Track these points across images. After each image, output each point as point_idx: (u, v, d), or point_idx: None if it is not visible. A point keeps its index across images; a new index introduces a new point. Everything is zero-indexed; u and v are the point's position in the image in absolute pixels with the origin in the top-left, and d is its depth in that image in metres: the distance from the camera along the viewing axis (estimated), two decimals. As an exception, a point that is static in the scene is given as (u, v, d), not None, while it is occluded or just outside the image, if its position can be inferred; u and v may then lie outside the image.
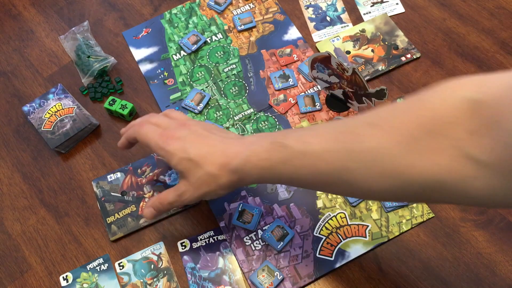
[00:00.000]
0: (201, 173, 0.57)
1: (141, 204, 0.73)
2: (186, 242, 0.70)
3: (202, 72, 0.83)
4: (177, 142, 0.59)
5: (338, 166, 0.49)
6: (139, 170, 0.75)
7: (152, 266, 0.69)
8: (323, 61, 0.70)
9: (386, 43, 0.83)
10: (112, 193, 0.74)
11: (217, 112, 0.79)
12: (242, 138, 0.59)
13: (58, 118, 0.79)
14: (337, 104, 0.77)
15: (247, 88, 0.81)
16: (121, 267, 0.69)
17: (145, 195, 0.73)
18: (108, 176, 0.75)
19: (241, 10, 0.89)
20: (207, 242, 0.70)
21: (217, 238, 0.70)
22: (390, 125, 0.46)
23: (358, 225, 0.69)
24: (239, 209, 0.71)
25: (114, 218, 0.72)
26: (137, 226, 0.71)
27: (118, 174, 0.75)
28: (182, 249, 0.69)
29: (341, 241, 0.68)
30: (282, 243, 0.68)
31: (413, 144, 0.44)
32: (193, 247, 0.69)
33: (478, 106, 0.41)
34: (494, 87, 0.41)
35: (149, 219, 0.65)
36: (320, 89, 0.78)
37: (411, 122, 0.44)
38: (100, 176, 0.75)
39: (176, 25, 0.89)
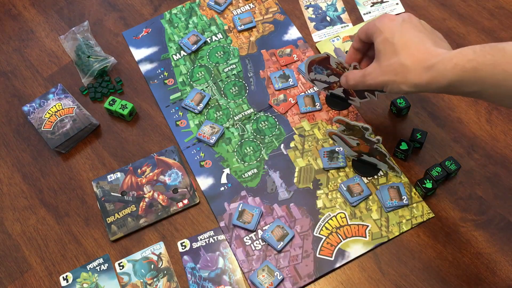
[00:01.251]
0: (395, 60, 0.56)
1: (141, 204, 0.72)
2: (186, 242, 0.70)
3: (202, 72, 0.83)
4: (391, 23, 0.58)
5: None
6: (139, 170, 0.75)
7: (152, 266, 0.69)
8: (321, 63, 0.70)
9: (386, 43, 0.83)
10: (112, 193, 0.74)
11: (217, 112, 0.79)
12: (451, 49, 0.57)
13: (58, 118, 0.79)
14: (338, 103, 0.77)
15: (247, 88, 0.81)
16: (121, 267, 0.69)
17: (145, 195, 0.73)
18: (108, 176, 0.75)
19: (241, 10, 0.89)
20: (207, 242, 0.70)
21: (217, 238, 0.70)
22: None
23: (358, 225, 0.69)
24: (239, 209, 0.71)
25: (114, 218, 0.72)
26: (137, 226, 0.71)
27: (118, 174, 0.75)
28: (182, 249, 0.69)
29: (341, 241, 0.68)
30: (282, 243, 0.68)
31: None
32: (193, 247, 0.69)
33: None
34: None
35: (343, 85, 0.67)
36: (317, 89, 0.78)
37: None
38: (100, 176, 0.75)
39: (176, 25, 0.89)
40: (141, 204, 0.73)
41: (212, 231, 0.70)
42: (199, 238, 0.70)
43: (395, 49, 0.56)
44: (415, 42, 0.56)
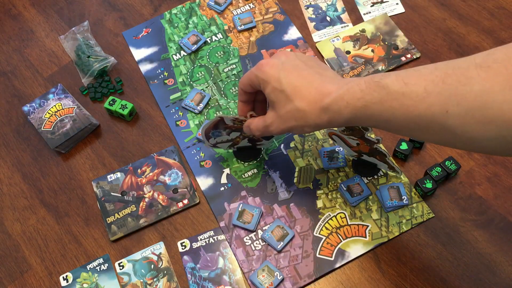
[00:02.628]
0: (291, 107, 0.55)
1: (141, 204, 0.72)
2: (186, 242, 0.70)
3: (202, 72, 0.83)
4: (272, 70, 0.57)
5: (439, 110, 0.45)
6: (139, 170, 0.75)
7: (152, 266, 0.69)
8: (217, 126, 0.68)
9: (386, 43, 0.83)
10: (112, 193, 0.74)
11: (217, 112, 0.79)
12: (338, 76, 0.57)
13: (58, 118, 0.79)
14: (247, 153, 0.75)
15: (247, 88, 0.81)
16: (121, 267, 0.69)
17: (145, 195, 0.73)
18: (108, 176, 0.75)
19: (241, 10, 0.89)
20: (207, 242, 0.70)
21: (217, 238, 0.70)
22: (505, 68, 0.41)
23: (358, 225, 0.69)
24: (239, 209, 0.71)
25: (114, 218, 0.72)
26: (137, 226, 0.71)
27: (118, 174, 0.75)
28: (182, 249, 0.69)
29: (341, 241, 0.68)
30: (282, 243, 0.68)
31: None
32: (193, 247, 0.69)
33: None
34: None
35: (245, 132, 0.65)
36: (225, 150, 0.76)
37: None
38: (100, 176, 0.75)
39: (176, 25, 0.89)
40: (141, 204, 0.73)
41: (212, 231, 0.70)
42: (199, 238, 0.70)
43: (287, 96, 0.55)
44: (303, 84, 0.55)
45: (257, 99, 0.66)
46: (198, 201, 0.72)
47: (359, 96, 0.51)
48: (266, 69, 0.57)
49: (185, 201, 0.72)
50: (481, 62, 0.43)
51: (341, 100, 0.52)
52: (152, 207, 0.72)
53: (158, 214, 0.72)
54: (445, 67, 0.46)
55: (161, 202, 0.72)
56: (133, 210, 0.72)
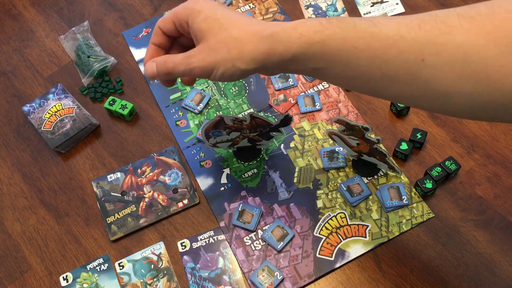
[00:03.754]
0: (224, 35, 0.47)
1: (141, 204, 0.73)
2: (186, 242, 0.70)
3: (202, 72, 0.83)
4: (206, 2, 0.49)
5: (413, 58, 0.40)
6: (139, 170, 0.75)
7: (152, 266, 0.69)
8: (217, 126, 0.68)
9: (386, 43, 0.83)
10: (112, 193, 0.74)
11: (217, 112, 0.79)
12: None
13: (58, 118, 0.79)
14: (247, 154, 0.75)
15: (247, 88, 0.81)
16: (121, 267, 0.69)
17: (145, 195, 0.73)
18: (108, 176, 0.75)
19: (241, 10, 0.89)
20: (207, 242, 0.70)
21: (217, 238, 0.70)
22: (490, 21, 0.38)
23: (358, 225, 0.69)
24: (239, 209, 0.71)
25: (114, 218, 0.72)
26: (137, 226, 0.71)
27: (118, 174, 0.75)
28: (182, 249, 0.69)
29: (341, 241, 0.68)
30: (282, 243, 0.68)
31: (508, 48, 0.37)
32: (193, 247, 0.69)
33: None
34: None
35: (149, 76, 0.53)
36: (225, 150, 0.76)
37: (510, 22, 0.37)
38: (100, 176, 0.75)
39: (176, 25, 0.89)
40: (141, 204, 0.73)
41: (212, 231, 0.70)
42: (199, 238, 0.70)
43: (222, 24, 0.47)
44: (243, 18, 0.48)
45: (170, 51, 0.56)
46: (198, 201, 0.72)
47: (317, 28, 0.43)
48: (200, 1, 0.49)
49: (185, 201, 0.72)
50: (463, 12, 0.40)
51: (292, 30, 0.44)
52: (152, 207, 0.72)
53: (158, 214, 0.72)
54: (421, 14, 0.42)
55: (161, 202, 0.72)
56: (133, 210, 0.72)
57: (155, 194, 0.73)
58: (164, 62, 0.51)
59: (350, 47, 0.42)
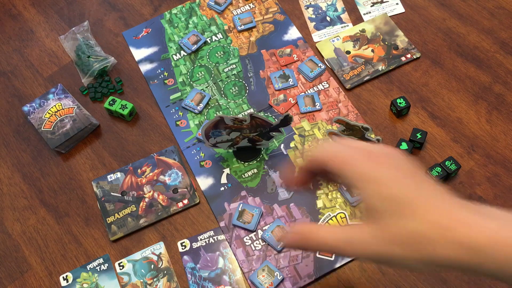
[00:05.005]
0: (409, 225, 0.37)
1: (141, 204, 0.73)
2: (186, 242, 0.70)
3: (202, 72, 0.83)
4: (388, 169, 0.40)
5: None
6: (139, 170, 0.75)
7: (152, 266, 0.69)
8: (217, 126, 0.68)
9: (386, 43, 0.83)
10: (112, 193, 0.74)
11: (217, 112, 0.79)
12: (474, 205, 0.38)
13: (58, 118, 0.79)
14: (247, 154, 0.75)
15: (247, 88, 0.81)
16: (121, 267, 0.69)
17: (145, 195, 0.73)
18: (108, 176, 0.75)
19: (241, 10, 0.89)
20: (207, 242, 0.70)
21: (217, 238, 0.70)
22: None
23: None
24: (239, 209, 0.71)
25: (114, 218, 0.72)
26: (137, 226, 0.71)
27: (118, 174, 0.75)
28: (182, 249, 0.69)
29: (341, 241, 0.68)
30: (282, 243, 0.68)
31: None
32: (193, 247, 0.69)
33: None
34: None
35: (285, 246, 0.47)
36: (225, 150, 0.75)
37: None
38: (100, 176, 0.75)
39: (176, 25, 0.89)
40: (141, 204, 0.73)
41: (212, 231, 0.70)
42: (199, 238, 0.70)
43: (405, 208, 0.37)
44: (432, 199, 0.38)
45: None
46: (198, 201, 0.72)
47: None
48: (380, 166, 0.40)
49: (185, 201, 0.72)
50: None
51: (499, 244, 0.35)
52: (152, 207, 0.72)
53: (158, 214, 0.72)
54: None
55: (161, 202, 0.72)
56: (133, 210, 0.72)
57: (155, 194, 0.73)
58: (306, 239, 0.43)
59: None
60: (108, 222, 0.72)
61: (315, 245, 0.43)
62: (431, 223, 0.36)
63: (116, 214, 0.72)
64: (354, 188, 0.41)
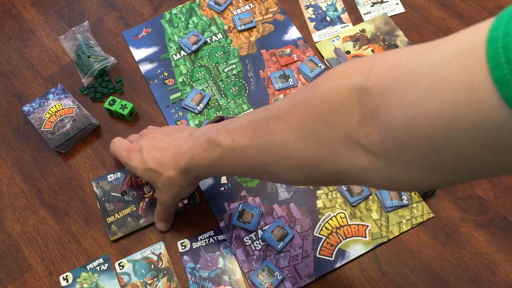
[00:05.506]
0: (163, 179, 0.61)
1: (141, 204, 0.73)
2: (186, 242, 0.70)
3: (202, 72, 0.83)
4: (136, 155, 0.62)
5: (260, 161, 0.50)
6: None
7: (152, 266, 0.69)
8: None
9: (386, 43, 0.83)
10: (112, 193, 0.74)
11: (217, 112, 0.79)
12: (191, 134, 0.60)
13: (58, 118, 0.79)
14: None
15: (247, 88, 0.81)
16: (121, 267, 0.69)
17: (145, 195, 0.73)
18: (108, 176, 0.75)
19: (241, 10, 0.89)
20: (207, 242, 0.70)
21: (217, 238, 0.70)
22: (292, 118, 0.46)
23: (358, 225, 0.69)
24: (239, 209, 0.71)
25: (114, 218, 0.72)
26: (137, 226, 0.71)
27: (118, 174, 0.75)
28: (182, 249, 0.69)
29: (341, 241, 0.68)
30: (282, 243, 0.68)
31: (313, 136, 0.44)
32: (193, 247, 0.69)
33: (364, 93, 0.39)
34: (382, 70, 0.38)
35: (164, 229, 0.70)
36: None
37: (308, 113, 0.44)
38: (100, 176, 0.75)
39: (176, 25, 0.89)
40: (141, 204, 0.73)
41: (212, 231, 0.70)
42: (199, 238, 0.70)
43: (155, 171, 0.61)
44: (163, 155, 0.61)
45: None
46: (198, 201, 0.72)
47: (203, 155, 0.56)
48: (131, 156, 0.63)
49: (185, 201, 0.72)
50: (277, 113, 0.48)
51: (192, 161, 0.57)
52: (152, 207, 0.72)
53: None
54: (256, 119, 0.51)
55: None
56: (133, 210, 0.72)
57: (155, 194, 0.73)
58: (156, 216, 0.70)
59: (226, 162, 0.54)
60: (108, 222, 0.72)
61: (162, 216, 0.70)
62: (170, 168, 0.60)
63: (116, 214, 0.72)
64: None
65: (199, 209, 0.72)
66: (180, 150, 0.59)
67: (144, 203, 0.73)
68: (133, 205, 0.73)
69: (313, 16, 0.88)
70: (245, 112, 0.79)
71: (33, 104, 0.81)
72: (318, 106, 0.43)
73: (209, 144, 0.55)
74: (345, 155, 0.42)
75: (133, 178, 0.75)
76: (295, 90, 0.49)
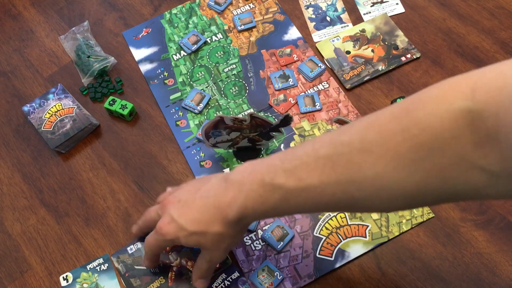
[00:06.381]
0: (209, 237, 0.55)
1: (169, 274, 0.67)
2: None
3: (202, 72, 0.83)
4: (171, 227, 0.57)
5: (343, 197, 0.46)
6: None
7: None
8: (217, 126, 0.67)
9: (386, 43, 0.83)
10: (136, 267, 0.68)
11: (217, 112, 0.79)
12: (225, 180, 0.55)
13: (58, 118, 0.79)
14: (246, 153, 0.75)
15: (247, 88, 0.81)
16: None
17: (172, 264, 0.67)
18: (128, 249, 0.70)
19: (241, 10, 0.89)
20: (224, 286, 0.66)
21: (230, 278, 0.66)
22: (386, 150, 0.43)
23: (358, 225, 0.69)
24: (239, 209, 0.71)
25: None
26: None
27: (139, 244, 0.69)
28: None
29: (341, 241, 0.68)
30: (282, 243, 0.68)
31: (416, 165, 0.41)
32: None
33: (475, 116, 0.38)
34: (488, 91, 0.37)
35: (205, 286, 0.63)
36: (225, 150, 0.75)
37: (406, 143, 0.41)
38: (119, 250, 0.70)
39: (176, 25, 0.89)
40: (169, 274, 0.67)
41: (224, 274, 0.67)
42: (213, 286, 0.66)
43: (199, 232, 0.56)
44: (202, 215, 0.55)
45: None
46: (230, 263, 0.67)
47: (260, 201, 0.51)
48: (166, 231, 0.57)
49: (218, 265, 0.66)
50: (360, 146, 0.44)
51: (245, 209, 0.52)
52: (182, 275, 0.67)
53: (190, 284, 0.65)
54: (326, 154, 0.47)
55: (190, 269, 0.66)
56: (162, 282, 0.66)
57: (183, 261, 0.67)
58: (200, 275, 0.62)
59: (294, 203, 0.49)
60: None
61: (206, 275, 0.62)
62: (216, 223, 0.55)
63: None
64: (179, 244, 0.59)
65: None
66: (223, 202, 0.53)
67: (173, 273, 0.67)
68: (161, 277, 0.67)
69: (313, 16, 0.88)
70: (245, 112, 0.79)
71: (33, 104, 0.80)
72: (419, 135, 0.41)
73: (266, 189, 0.50)
74: (458, 178, 0.40)
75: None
76: (372, 118, 0.45)
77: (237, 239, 0.58)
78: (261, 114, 0.79)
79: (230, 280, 0.66)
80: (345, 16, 0.87)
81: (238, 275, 0.66)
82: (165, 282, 0.66)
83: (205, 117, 0.79)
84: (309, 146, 0.49)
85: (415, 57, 0.81)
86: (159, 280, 0.67)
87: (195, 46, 0.85)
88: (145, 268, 0.67)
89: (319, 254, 0.67)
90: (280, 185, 0.49)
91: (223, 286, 0.66)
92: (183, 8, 0.90)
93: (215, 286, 0.66)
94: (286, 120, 0.67)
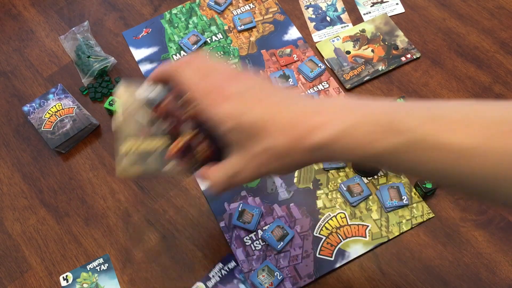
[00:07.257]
0: (264, 146, 0.41)
1: (176, 142, 0.50)
2: (201, 285, 0.66)
3: (202, 72, 0.83)
4: (231, 103, 0.42)
5: (494, 173, 0.34)
6: None
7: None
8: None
9: (386, 43, 0.83)
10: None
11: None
12: (327, 101, 0.42)
13: (58, 118, 0.79)
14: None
15: (247, 88, 0.81)
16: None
17: (185, 132, 0.49)
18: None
19: (241, 10, 0.89)
20: (221, 276, 0.67)
21: (228, 268, 0.67)
22: None
23: (358, 225, 0.69)
24: (239, 209, 0.71)
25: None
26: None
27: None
28: None
29: (341, 241, 0.68)
30: (282, 243, 0.68)
31: None
32: (209, 286, 0.67)
33: None
34: None
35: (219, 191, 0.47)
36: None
37: None
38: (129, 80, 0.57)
39: (176, 25, 0.89)
40: (176, 142, 0.49)
41: (220, 263, 0.67)
42: (210, 275, 0.66)
43: (258, 132, 0.41)
44: (278, 115, 0.41)
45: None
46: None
47: (368, 139, 0.37)
48: (221, 103, 0.42)
49: None
50: None
51: (339, 141, 0.38)
52: (185, 154, 0.50)
53: (189, 171, 0.51)
54: (496, 115, 0.35)
55: (198, 155, 0.49)
56: (163, 146, 0.51)
57: (199, 137, 0.49)
58: (212, 183, 0.46)
59: (412, 157, 0.37)
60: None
61: (210, 187, 0.47)
62: (283, 136, 0.40)
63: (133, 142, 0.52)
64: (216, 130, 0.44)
65: (199, 209, 0.72)
66: (314, 118, 0.39)
67: (182, 144, 0.49)
68: (167, 137, 0.50)
69: (313, 16, 0.88)
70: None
71: (33, 104, 0.81)
72: None
73: (385, 129, 0.37)
74: None
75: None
76: None
77: (283, 172, 0.44)
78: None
79: (227, 269, 0.67)
80: (345, 16, 0.87)
81: (235, 264, 0.67)
82: (165, 148, 0.50)
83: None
84: (462, 102, 0.37)
85: (415, 57, 0.81)
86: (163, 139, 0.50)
87: (195, 46, 0.85)
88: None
89: (319, 254, 0.67)
90: (411, 129, 0.36)
91: (220, 275, 0.66)
92: (183, 8, 0.90)
93: (213, 275, 0.66)
94: None
